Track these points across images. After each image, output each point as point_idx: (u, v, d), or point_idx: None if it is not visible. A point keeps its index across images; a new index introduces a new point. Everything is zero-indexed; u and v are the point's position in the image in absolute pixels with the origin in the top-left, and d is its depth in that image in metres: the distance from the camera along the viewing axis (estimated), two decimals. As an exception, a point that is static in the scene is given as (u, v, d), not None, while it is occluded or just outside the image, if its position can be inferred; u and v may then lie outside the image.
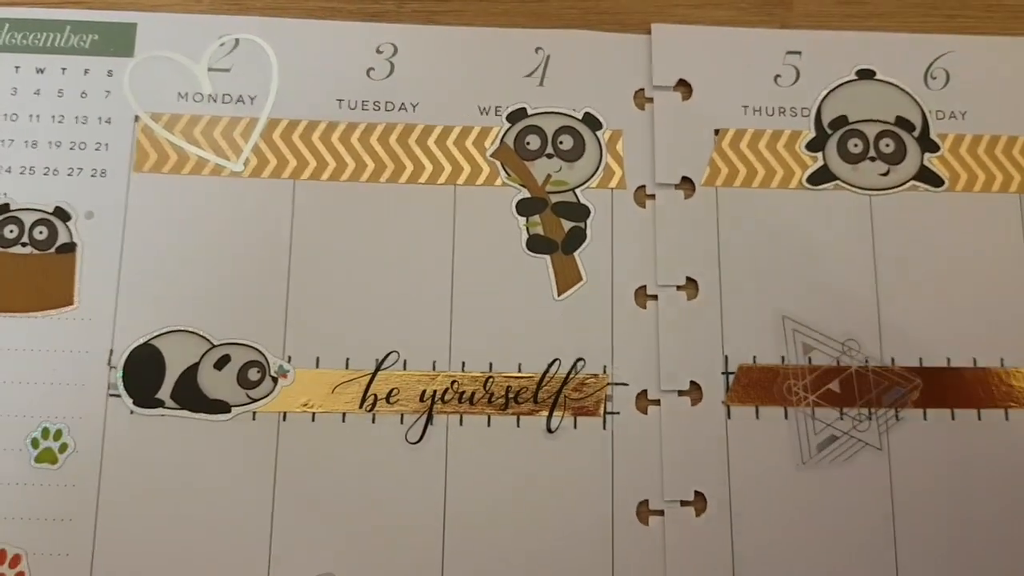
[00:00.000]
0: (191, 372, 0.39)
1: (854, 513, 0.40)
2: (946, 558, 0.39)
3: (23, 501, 0.38)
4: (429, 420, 0.40)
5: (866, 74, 0.44)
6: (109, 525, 0.38)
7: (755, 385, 0.41)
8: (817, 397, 0.40)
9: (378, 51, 0.43)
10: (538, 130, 0.43)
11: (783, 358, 0.41)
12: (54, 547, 0.38)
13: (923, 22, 0.45)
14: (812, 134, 0.43)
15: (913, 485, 0.40)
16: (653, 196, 0.42)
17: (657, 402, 0.40)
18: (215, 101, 0.42)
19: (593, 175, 0.42)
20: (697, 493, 0.40)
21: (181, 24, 0.43)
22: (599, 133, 0.43)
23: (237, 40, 0.43)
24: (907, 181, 0.43)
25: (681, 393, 0.40)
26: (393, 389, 0.40)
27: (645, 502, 0.39)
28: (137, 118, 0.42)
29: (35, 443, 0.39)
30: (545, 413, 0.40)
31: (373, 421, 0.40)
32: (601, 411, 0.40)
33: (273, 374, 0.40)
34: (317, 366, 0.40)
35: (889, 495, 0.40)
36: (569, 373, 0.40)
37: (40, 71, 0.42)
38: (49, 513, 0.38)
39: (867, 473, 0.40)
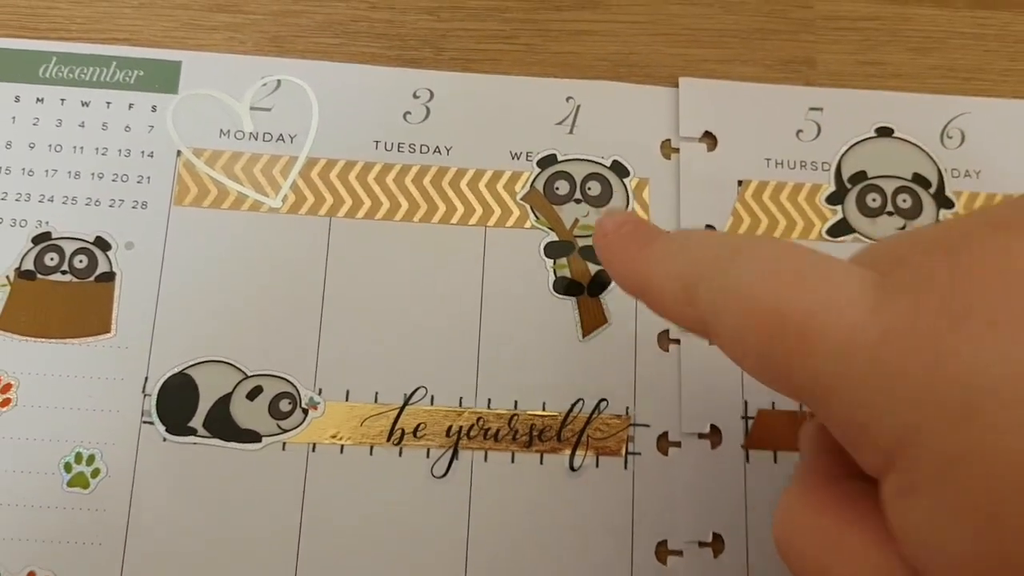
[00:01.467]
0: (224, 402, 0.40)
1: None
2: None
3: (54, 524, 0.38)
4: (455, 455, 0.40)
5: (885, 132, 0.45)
6: (138, 549, 0.38)
7: (773, 430, 0.41)
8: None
9: (415, 96, 0.44)
10: (567, 176, 0.43)
11: (801, 405, 0.41)
12: (83, 571, 0.38)
13: (941, 84, 0.45)
14: (832, 188, 0.44)
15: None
16: (677, 243, 0.42)
17: (678, 444, 0.41)
18: (256, 139, 0.43)
19: (620, 221, 0.43)
20: (715, 535, 0.39)
21: (225, 64, 0.43)
22: (626, 180, 0.43)
23: (279, 81, 0.43)
24: (923, 236, 0.43)
25: (701, 436, 0.41)
26: (420, 424, 0.40)
27: (664, 542, 0.39)
28: (179, 153, 0.42)
29: (68, 467, 0.39)
30: (568, 451, 0.40)
31: (400, 455, 0.40)
32: (623, 451, 0.40)
33: (304, 406, 0.40)
34: (347, 399, 0.40)
35: (903, 542, 0.40)
36: (592, 413, 0.40)
37: (85, 104, 0.42)
38: (79, 537, 0.38)
39: (881, 520, 0.40)
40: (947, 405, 0.19)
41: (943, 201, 0.44)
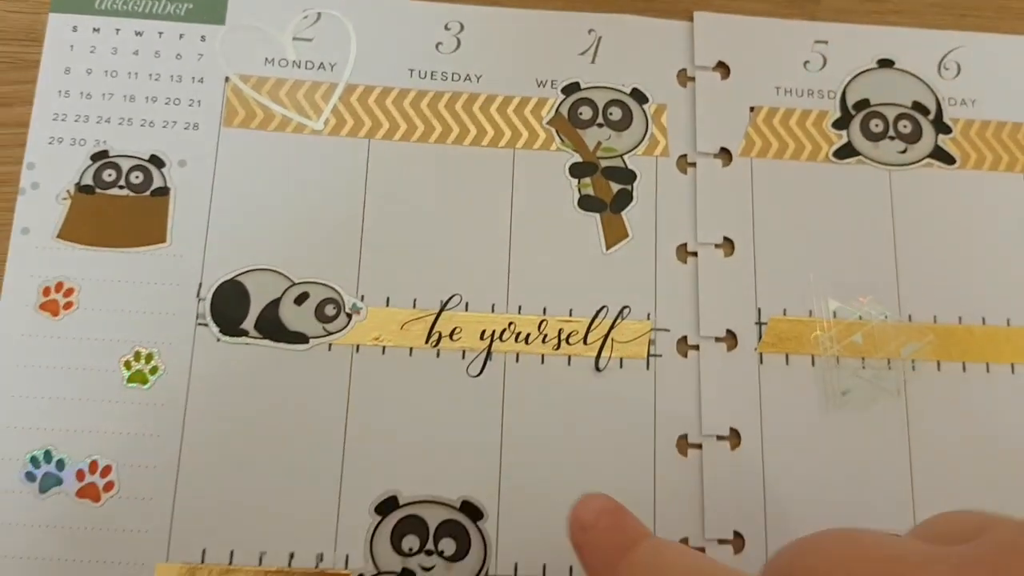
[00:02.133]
0: (273, 306, 0.42)
1: (874, 452, 0.42)
2: (957, 490, 0.42)
3: (114, 417, 0.40)
4: (488, 356, 0.42)
5: (886, 63, 0.47)
6: (193, 440, 0.40)
7: (784, 335, 0.43)
8: (841, 348, 0.43)
9: (446, 28, 0.46)
10: (590, 102, 0.46)
11: (811, 312, 0.44)
12: (142, 459, 0.40)
13: (938, 19, 0.48)
14: (837, 114, 0.46)
15: (927, 427, 0.42)
16: (694, 164, 0.45)
17: (696, 347, 0.43)
18: (298, 67, 0.45)
19: (639, 144, 0.45)
20: (732, 429, 0.42)
21: (268, -4, 0.46)
22: (645, 106, 0.46)
23: (319, 14, 0.46)
24: (923, 159, 0.46)
25: (718, 339, 0.43)
26: (456, 328, 0.42)
27: (684, 436, 0.42)
28: (227, 79, 0.45)
29: (128, 365, 0.41)
30: (594, 354, 0.42)
31: (437, 356, 0.42)
32: (645, 353, 0.43)
33: (347, 311, 0.42)
34: (387, 305, 0.42)
35: (906, 436, 0.42)
36: (616, 319, 0.43)
37: (139, 34, 0.45)
38: (138, 429, 0.40)
39: (886, 417, 0.42)
40: None
41: (941, 127, 0.46)
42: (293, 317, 0.41)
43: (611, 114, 0.45)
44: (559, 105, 0.45)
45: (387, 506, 0.40)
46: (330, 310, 0.41)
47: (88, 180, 0.42)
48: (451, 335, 0.42)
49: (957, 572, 0.20)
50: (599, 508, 0.29)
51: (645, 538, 0.28)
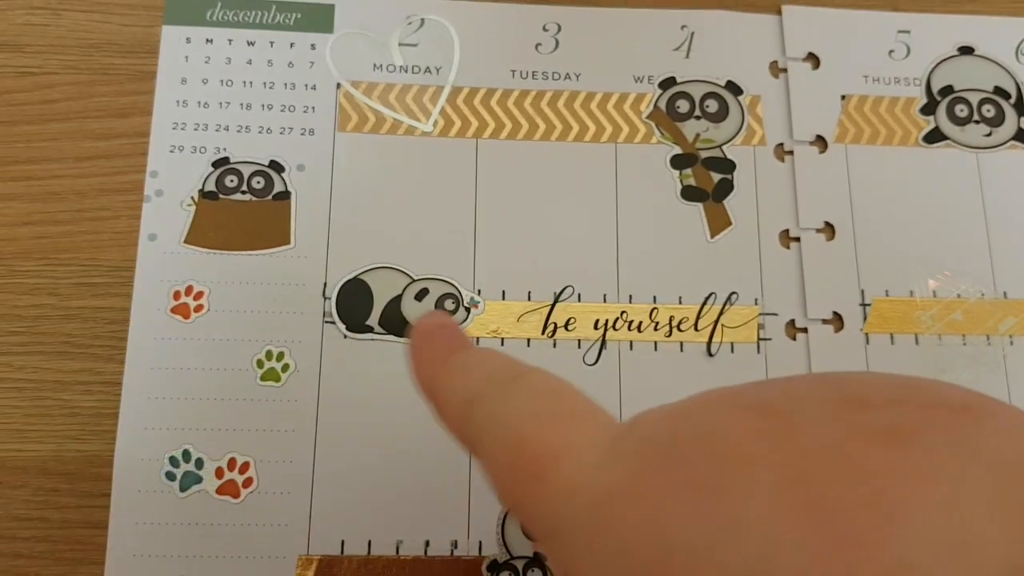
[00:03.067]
0: (395, 302, 0.43)
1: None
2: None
3: (250, 415, 0.41)
4: (603, 345, 0.43)
5: (966, 50, 0.48)
6: (327, 434, 0.41)
7: (888, 316, 0.44)
8: (943, 326, 0.44)
9: (544, 29, 0.47)
10: (686, 96, 0.47)
11: (912, 292, 0.44)
12: (279, 455, 0.41)
13: (1013, 6, 0.49)
14: (924, 100, 0.47)
15: (1029, 399, 0.43)
16: (791, 152, 0.46)
17: (804, 330, 0.44)
18: (406, 72, 0.46)
19: (737, 134, 0.46)
20: (843, 408, 0.43)
21: (373, 5, 0.47)
22: (740, 98, 0.47)
23: (423, 20, 0.47)
24: (1007, 141, 0.47)
25: (825, 322, 0.44)
26: (570, 318, 0.43)
27: (798, 416, 0.42)
28: (339, 85, 0.46)
29: (260, 364, 0.42)
30: (705, 339, 0.43)
31: (554, 346, 0.43)
32: (755, 337, 0.43)
33: (466, 305, 0.43)
34: (503, 298, 0.43)
35: (1011, 408, 0.43)
36: (724, 305, 0.44)
37: (251, 44, 0.46)
38: (273, 425, 0.41)
39: (987, 390, 0.43)
40: (646, 568, 0.18)
41: (1023, 110, 0.47)
42: (415, 312, 0.42)
43: (708, 106, 0.46)
44: (657, 99, 0.46)
45: (516, 492, 0.40)
46: (450, 305, 0.42)
47: (211, 186, 0.43)
48: (566, 325, 0.42)
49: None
50: (437, 322, 0.28)
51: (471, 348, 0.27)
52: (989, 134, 0.46)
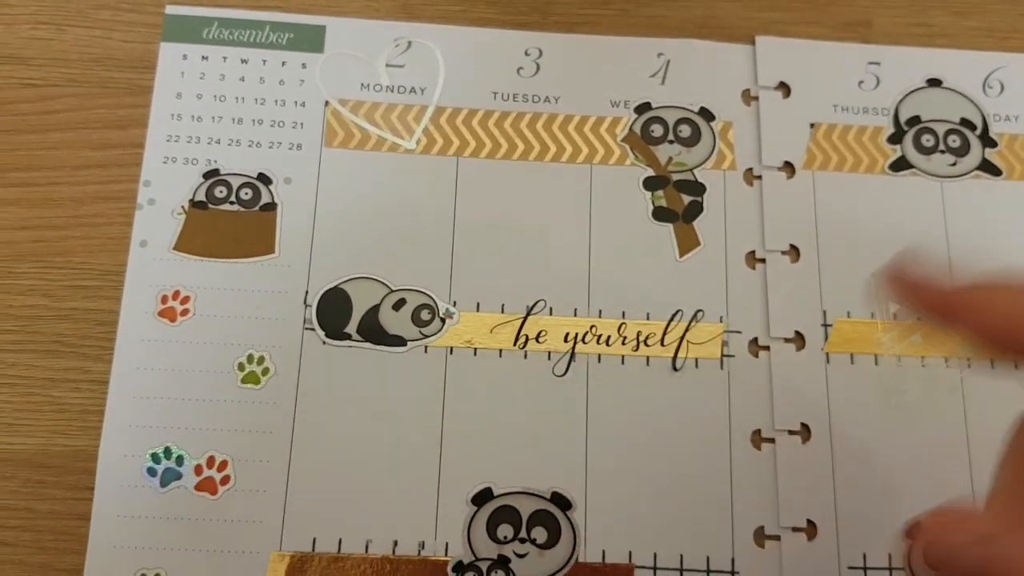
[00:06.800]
0: (373, 312, 0.44)
1: (936, 444, 0.43)
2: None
3: (230, 416, 0.42)
4: (572, 357, 0.44)
5: (934, 82, 0.49)
6: (304, 436, 0.42)
7: (849, 336, 0.45)
8: (902, 347, 0.45)
9: (526, 54, 0.48)
10: (661, 120, 0.48)
11: (872, 314, 0.45)
12: (256, 455, 0.42)
13: (982, 41, 0.50)
14: (891, 130, 0.48)
15: (985, 421, 0.44)
16: (759, 176, 0.47)
17: (767, 347, 0.45)
18: (392, 91, 0.47)
19: (708, 158, 0.47)
20: (803, 424, 0.43)
21: (363, 28, 0.48)
22: (712, 124, 0.48)
23: (409, 42, 0.48)
24: (972, 170, 0.48)
25: (787, 340, 0.45)
26: (541, 331, 0.44)
27: (758, 431, 0.43)
28: (327, 103, 0.47)
29: (241, 367, 0.43)
30: (671, 354, 0.44)
31: (525, 357, 0.44)
32: (719, 354, 0.44)
33: (441, 315, 0.44)
34: (478, 310, 0.44)
35: (964, 429, 0.44)
36: (691, 322, 0.45)
37: (244, 61, 0.47)
38: (252, 426, 0.42)
39: (946, 411, 0.44)
40: None
41: (988, 141, 0.48)
42: (392, 322, 0.43)
43: (681, 131, 0.47)
44: (632, 123, 0.47)
45: (483, 497, 0.41)
46: (425, 315, 0.43)
47: (201, 196, 0.44)
48: (537, 338, 0.43)
49: None
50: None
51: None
52: (954, 163, 0.47)
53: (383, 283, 0.43)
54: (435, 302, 0.43)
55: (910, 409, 0.43)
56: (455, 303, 0.43)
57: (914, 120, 0.48)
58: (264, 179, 0.44)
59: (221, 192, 0.44)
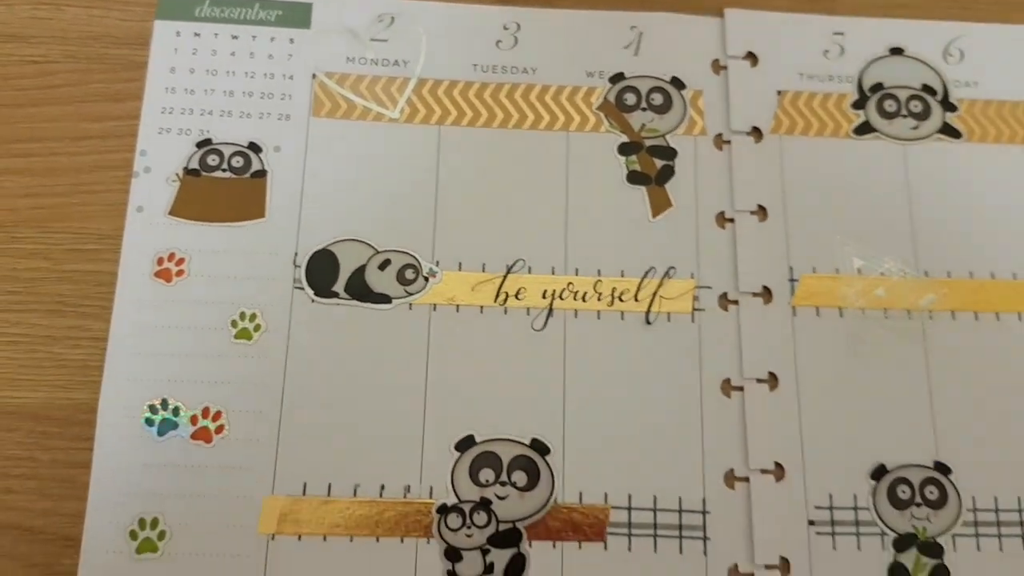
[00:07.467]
0: (360, 271, 0.46)
1: (898, 391, 0.45)
2: (973, 424, 0.45)
3: (224, 370, 0.44)
4: (550, 313, 0.46)
5: (897, 51, 0.51)
6: (293, 388, 0.44)
7: (815, 290, 0.47)
8: (866, 301, 0.47)
9: (505, 28, 0.51)
10: (634, 89, 0.50)
11: (837, 269, 0.47)
12: (249, 405, 0.43)
13: (942, 11, 0.52)
14: (855, 96, 0.50)
15: (945, 369, 0.45)
16: (728, 141, 0.49)
17: (736, 302, 0.47)
18: (376, 64, 0.50)
19: (679, 124, 0.49)
20: (770, 373, 0.45)
21: (348, 4, 0.50)
22: (683, 92, 0.50)
23: (393, 18, 0.50)
24: (933, 134, 0.50)
25: (755, 295, 0.47)
26: (520, 288, 0.46)
27: (728, 379, 0.45)
28: (314, 75, 0.49)
29: (234, 324, 0.45)
30: (644, 309, 0.46)
31: (505, 313, 0.46)
32: (690, 308, 0.46)
33: (425, 275, 0.46)
34: (460, 269, 0.46)
35: (926, 377, 0.45)
36: (663, 278, 0.47)
37: (235, 37, 0.49)
38: (245, 379, 0.44)
39: (908, 360, 0.46)
40: None
41: (948, 106, 0.50)
42: (377, 280, 0.45)
43: (653, 99, 0.49)
44: (607, 93, 0.49)
45: (465, 444, 0.43)
46: (410, 274, 0.45)
47: (195, 164, 0.47)
48: (516, 295, 0.46)
49: None
50: None
51: None
52: (916, 127, 0.49)
53: (369, 244, 0.46)
54: (419, 262, 0.45)
55: (873, 358, 0.45)
56: (438, 263, 0.46)
57: (877, 87, 0.50)
58: (254, 148, 0.46)
59: (214, 160, 0.46)
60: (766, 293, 0.46)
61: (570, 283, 0.45)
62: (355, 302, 0.45)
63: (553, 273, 0.46)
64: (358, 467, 0.43)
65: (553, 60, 0.49)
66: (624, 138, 0.48)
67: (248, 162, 0.46)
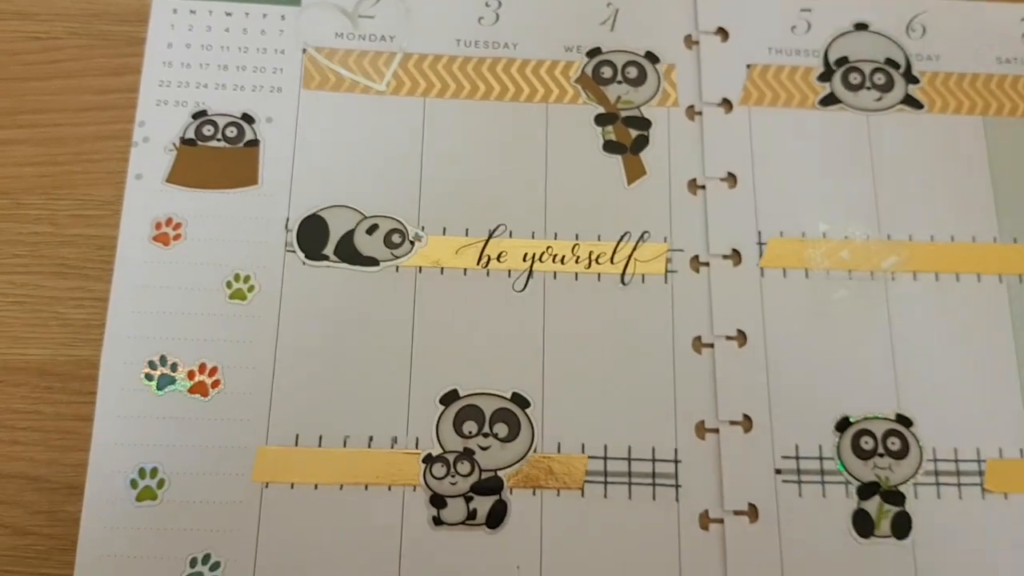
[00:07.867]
0: (349, 236, 0.48)
1: (862, 347, 0.47)
2: (933, 377, 0.47)
3: (219, 328, 0.46)
4: (530, 275, 0.48)
5: (861, 26, 0.54)
6: (285, 345, 0.46)
7: (782, 253, 0.49)
8: (831, 263, 0.49)
9: (487, 4, 0.53)
10: (610, 63, 0.52)
11: (803, 233, 0.50)
12: (243, 361, 0.46)
13: (905, -11, 0.55)
14: (821, 69, 0.53)
15: (906, 326, 0.48)
16: (700, 112, 0.51)
17: (707, 264, 0.49)
18: (364, 39, 0.52)
19: (653, 96, 0.52)
20: (739, 331, 0.48)
21: (337, -18, 0.53)
22: (657, 66, 0.52)
23: (379, -5, 0.53)
24: (895, 105, 0.52)
25: (725, 257, 0.49)
26: (502, 252, 0.49)
27: (699, 337, 0.48)
28: (305, 50, 0.52)
29: (229, 285, 0.47)
30: (619, 271, 0.49)
31: (487, 275, 0.48)
32: (663, 270, 0.49)
33: (411, 239, 0.48)
34: (444, 234, 0.49)
35: (888, 334, 0.48)
36: (637, 242, 0.49)
37: (228, 14, 0.52)
38: (240, 337, 0.46)
39: (871, 319, 0.48)
40: None
41: (910, 78, 0.53)
42: (365, 244, 0.48)
43: (628, 73, 0.52)
44: (584, 66, 0.52)
45: (449, 398, 0.46)
46: (396, 238, 0.48)
47: (191, 134, 0.49)
48: (498, 258, 0.48)
49: None
50: None
51: None
52: (879, 98, 0.52)
53: (357, 210, 0.48)
54: (405, 227, 0.48)
55: (837, 316, 0.48)
56: (423, 228, 0.48)
57: (842, 60, 0.52)
58: (248, 118, 0.49)
59: (209, 130, 0.49)
60: (735, 256, 0.48)
61: (549, 247, 0.48)
62: (344, 264, 0.47)
63: (533, 237, 0.48)
64: (348, 419, 0.45)
65: (533, 35, 0.52)
66: (601, 109, 0.50)
67: (242, 132, 0.49)
